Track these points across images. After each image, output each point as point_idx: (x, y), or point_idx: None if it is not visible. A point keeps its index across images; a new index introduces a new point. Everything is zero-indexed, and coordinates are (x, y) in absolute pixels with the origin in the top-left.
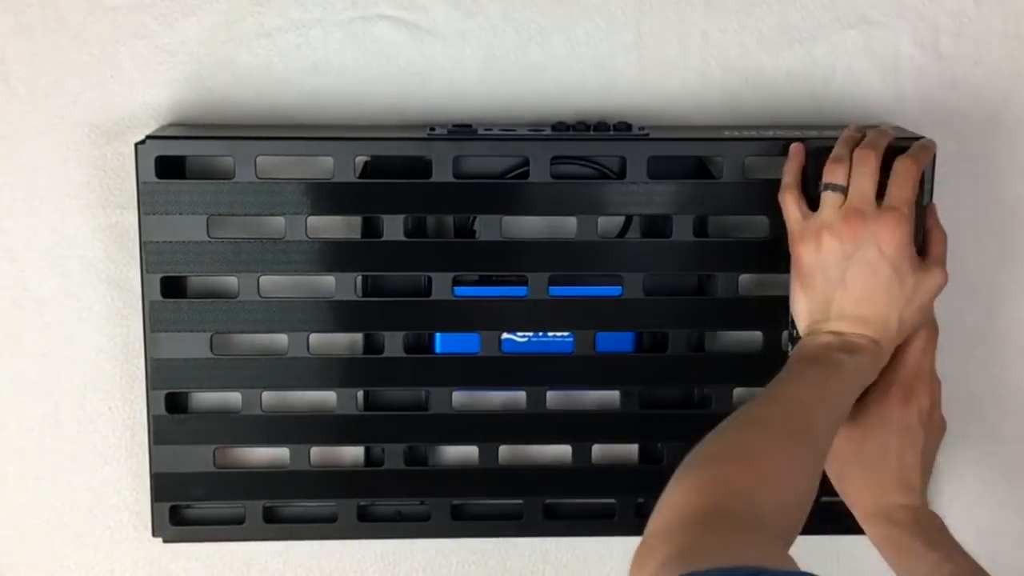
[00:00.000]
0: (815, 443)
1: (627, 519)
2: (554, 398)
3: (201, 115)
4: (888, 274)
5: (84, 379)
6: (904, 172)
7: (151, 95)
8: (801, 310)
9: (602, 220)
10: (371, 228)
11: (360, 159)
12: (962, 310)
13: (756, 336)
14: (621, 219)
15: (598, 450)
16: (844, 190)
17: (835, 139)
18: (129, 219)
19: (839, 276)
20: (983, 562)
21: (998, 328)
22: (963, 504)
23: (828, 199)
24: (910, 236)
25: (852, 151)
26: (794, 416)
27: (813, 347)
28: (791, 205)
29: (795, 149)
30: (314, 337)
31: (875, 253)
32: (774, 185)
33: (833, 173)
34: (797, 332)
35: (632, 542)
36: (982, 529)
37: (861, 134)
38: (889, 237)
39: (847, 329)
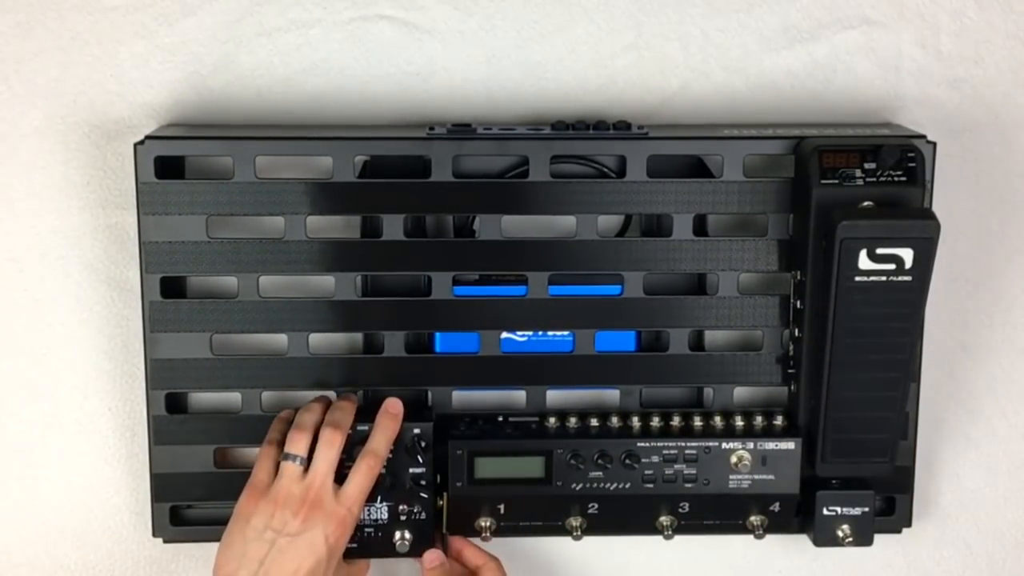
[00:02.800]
0: None
1: None
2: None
3: (201, 115)
4: (321, 562)
5: (84, 379)
6: (362, 469)
7: (151, 95)
8: (221, 560)
9: (602, 219)
10: (371, 228)
11: (359, 159)
12: (963, 310)
13: (756, 336)
14: (621, 218)
15: None
16: (304, 462)
17: (836, 138)
18: (129, 219)
19: (266, 547)
20: (983, 562)
21: (998, 328)
22: (963, 504)
23: (287, 470)
24: (350, 534)
25: (318, 420)
26: None
27: None
28: (266, 460)
29: (285, 414)
30: (314, 337)
31: (320, 539)
32: (776, 185)
33: (294, 443)
34: (798, 332)
35: (634, 542)
36: (983, 529)
37: (326, 403)
38: (336, 528)
39: None
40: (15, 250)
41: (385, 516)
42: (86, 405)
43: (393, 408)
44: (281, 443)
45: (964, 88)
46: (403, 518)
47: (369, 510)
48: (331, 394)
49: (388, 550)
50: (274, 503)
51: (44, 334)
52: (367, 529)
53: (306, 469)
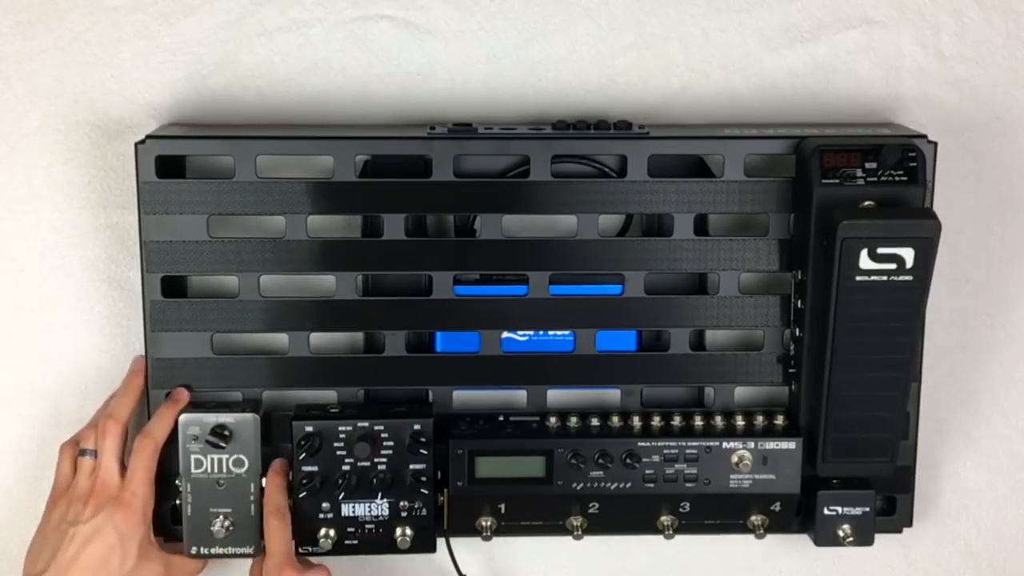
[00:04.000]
0: None
1: None
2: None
3: (201, 115)
4: (114, 548)
5: (85, 379)
6: (140, 454)
7: (152, 95)
8: (27, 560)
9: (602, 219)
10: (371, 227)
11: (360, 158)
12: (963, 310)
13: (757, 335)
14: (622, 218)
15: None
16: (94, 455)
17: (837, 138)
18: (130, 219)
19: (61, 538)
20: (984, 561)
21: (999, 328)
22: (964, 503)
23: (81, 465)
24: (145, 518)
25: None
26: None
27: None
28: (62, 460)
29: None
30: (315, 336)
31: (108, 526)
32: (776, 185)
33: (84, 439)
34: (799, 332)
35: (634, 541)
36: (983, 529)
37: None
38: (122, 514)
39: None
40: (16, 250)
41: (386, 513)
42: (87, 405)
43: (179, 395)
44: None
45: (965, 88)
46: (404, 514)
47: (370, 507)
48: (332, 393)
49: (389, 547)
50: (69, 499)
51: (45, 334)
52: (368, 526)
53: None
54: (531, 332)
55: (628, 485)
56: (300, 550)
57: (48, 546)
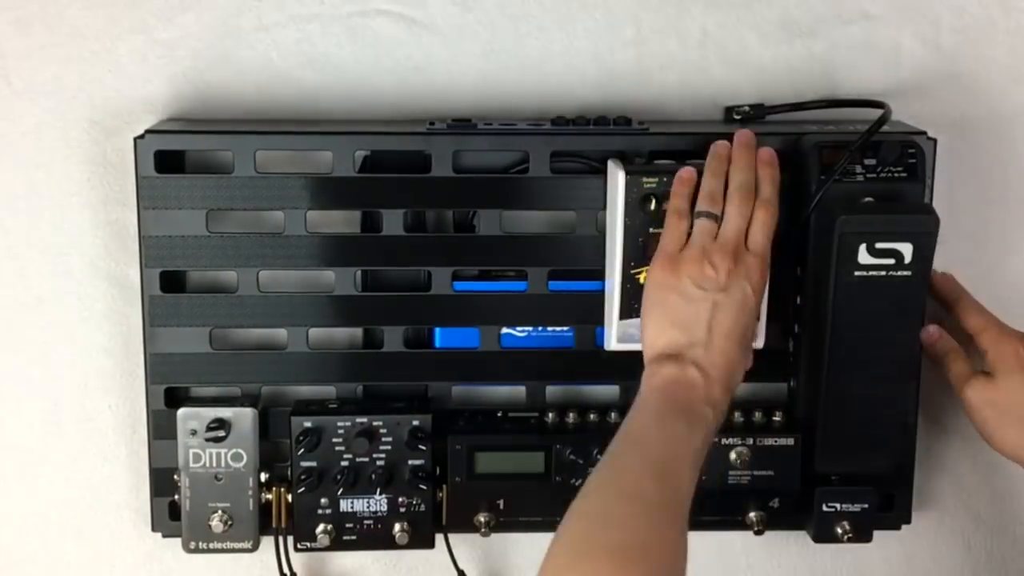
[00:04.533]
0: (685, 518)
1: None
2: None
3: (200, 110)
4: (750, 317)
5: (85, 377)
6: (764, 219)
7: (150, 90)
8: (659, 330)
9: (601, 214)
10: (370, 222)
11: (359, 153)
12: None
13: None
14: None
15: None
16: (718, 219)
17: (836, 134)
18: (129, 216)
19: (708, 306)
20: (982, 559)
21: None
22: (962, 500)
23: (703, 226)
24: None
25: (723, 180)
26: (672, 490)
27: (681, 388)
28: (674, 228)
29: (686, 175)
30: (314, 332)
31: (747, 291)
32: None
33: (708, 203)
34: (798, 328)
35: None
36: (981, 526)
37: (727, 154)
38: (758, 278)
39: (710, 368)
40: (16, 247)
41: (384, 508)
42: (86, 402)
43: (768, 156)
44: (687, 212)
45: (964, 84)
46: (402, 510)
47: (368, 502)
48: (331, 388)
49: (388, 542)
50: (697, 263)
51: (45, 331)
52: (366, 521)
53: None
54: (530, 328)
55: None
56: (298, 545)
57: (690, 315)
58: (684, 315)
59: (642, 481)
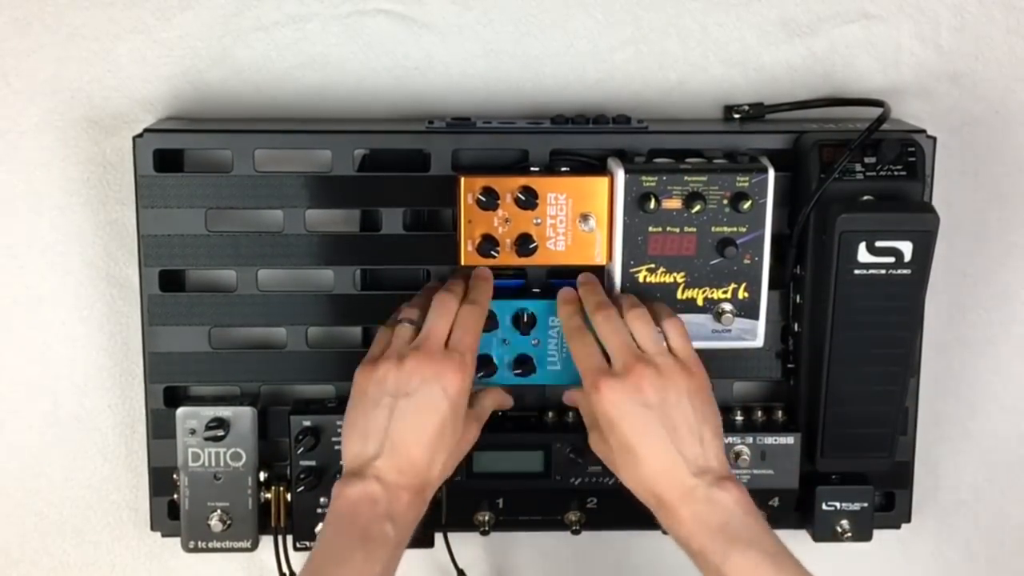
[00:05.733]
0: None
1: None
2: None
3: (198, 110)
4: (445, 419)
5: (84, 377)
6: (468, 317)
7: (148, 90)
8: (347, 443)
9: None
10: (370, 221)
11: (358, 152)
12: (962, 305)
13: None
14: None
15: None
16: (418, 324)
17: (836, 132)
18: (128, 215)
19: (388, 412)
20: (982, 559)
21: (997, 323)
22: (962, 499)
23: (400, 332)
24: (470, 382)
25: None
26: None
27: (362, 507)
28: (381, 337)
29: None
30: (313, 331)
31: (439, 393)
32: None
33: (407, 312)
34: (798, 327)
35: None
36: (981, 524)
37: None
38: (456, 378)
39: (393, 476)
40: (15, 247)
41: None
42: (86, 402)
43: (484, 273)
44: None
45: (964, 83)
46: None
47: None
48: (330, 387)
49: None
50: (387, 367)
51: (44, 331)
52: None
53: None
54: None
55: None
56: (297, 545)
57: (372, 423)
58: (368, 423)
59: None
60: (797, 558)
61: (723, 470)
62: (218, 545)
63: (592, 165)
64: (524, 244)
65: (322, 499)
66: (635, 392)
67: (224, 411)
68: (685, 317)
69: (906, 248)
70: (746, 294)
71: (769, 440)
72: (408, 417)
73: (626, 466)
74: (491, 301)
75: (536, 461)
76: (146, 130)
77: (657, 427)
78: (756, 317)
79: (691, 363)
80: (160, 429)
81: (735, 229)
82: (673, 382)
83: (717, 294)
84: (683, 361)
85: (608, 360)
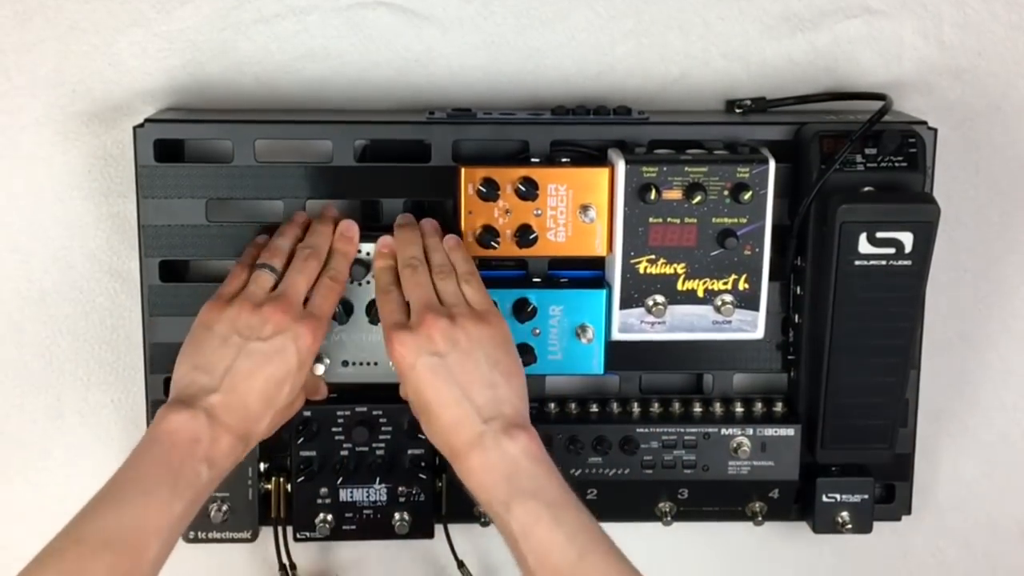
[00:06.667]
0: None
1: None
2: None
3: (199, 102)
4: (285, 376)
5: (87, 371)
6: (330, 289)
7: (149, 83)
8: (179, 372)
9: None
10: (370, 212)
11: (359, 143)
12: (962, 300)
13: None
14: None
15: None
16: (278, 273)
17: (836, 123)
18: (130, 208)
19: (236, 352)
20: (981, 553)
21: (997, 318)
22: (961, 493)
23: (260, 278)
24: (317, 350)
25: (295, 239)
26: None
27: (181, 441)
28: (234, 277)
29: (260, 239)
30: None
31: (292, 348)
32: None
33: (269, 257)
34: (798, 318)
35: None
36: (980, 518)
37: (302, 226)
38: (309, 341)
39: (222, 415)
40: (18, 241)
41: (384, 498)
42: (89, 397)
43: (348, 231)
44: (252, 265)
45: (966, 78)
46: (402, 500)
47: (368, 492)
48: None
49: (387, 532)
50: (242, 308)
51: (47, 325)
52: (366, 511)
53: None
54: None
55: (626, 471)
56: (297, 535)
57: (214, 358)
58: (210, 357)
59: (85, 563)
60: (583, 506)
61: (516, 417)
62: (218, 536)
63: (593, 156)
64: (524, 235)
65: (322, 489)
66: (426, 342)
67: None
68: (685, 308)
69: (907, 239)
70: (746, 285)
71: (769, 432)
72: (255, 362)
73: (423, 418)
74: (488, 292)
75: None
76: (147, 120)
77: (447, 376)
78: (756, 308)
79: (486, 313)
80: None
81: (736, 220)
82: (465, 330)
83: (717, 285)
84: (479, 312)
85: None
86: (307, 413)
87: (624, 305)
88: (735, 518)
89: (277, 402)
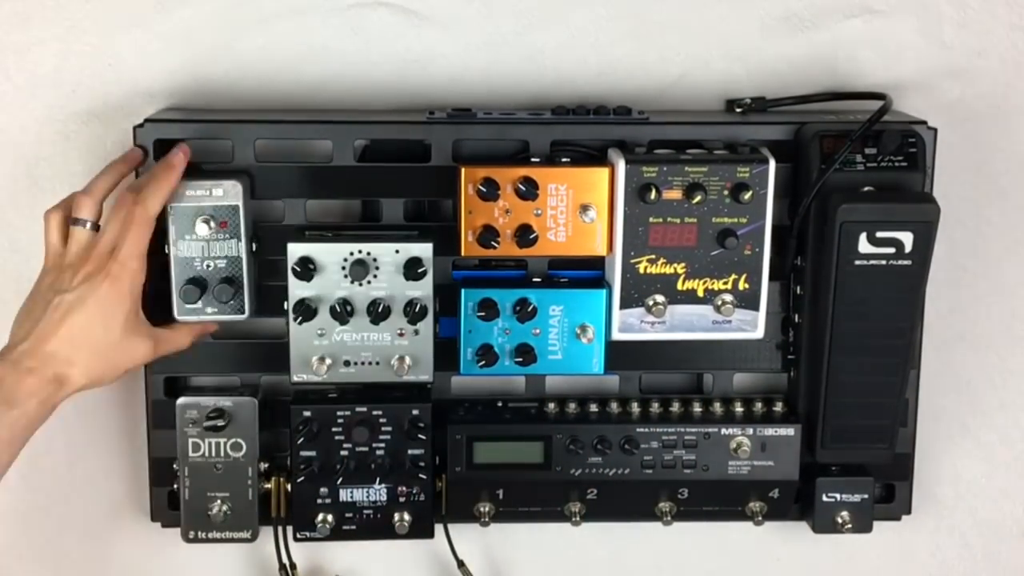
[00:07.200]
0: None
1: None
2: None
3: (199, 102)
4: (93, 319)
5: None
6: (138, 232)
7: (149, 83)
8: (13, 327)
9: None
10: (370, 211)
11: (359, 143)
12: (962, 300)
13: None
14: None
15: None
16: (94, 226)
17: (837, 123)
18: None
19: (46, 304)
20: (980, 553)
21: (997, 318)
22: (961, 493)
23: (76, 235)
24: (132, 292)
25: (111, 187)
26: None
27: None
28: (54, 229)
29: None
30: None
31: (91, 296)
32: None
33: (81, 207)
34: (798, 318)
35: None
36: (979, 518)
37: (127, 167)
38: (108, 285)
39: (25, 361)
40: (19, 241)
41: (384, 498)
42: (87, 393)
43: (175, 159)
44: (63, 209)
45: (965, 78)
46: (402, 500)
47: (368, 492)
48: None
49: (387, 532)
50: (59, 268)
51: None
52: (366, 511)
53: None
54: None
55: (626, 471)
56: (297, 535)
57: (32, 314)
58: (27, 313)
59: None
60: None
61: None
62: (218, 535)
63: (593, 156)
64: (524, 235)
65: (322, 489)
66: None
67: (224, 401)
68: (685, 308)
69: (907, 239)
70: (746, 285)
71: (769, 431)
72: (58, 312)
73: None
74: (490, 290)
75: (536, 452)
76: (147, 120)
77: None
78: (756, 308)
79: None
80: (160, 419)
81: (736, 220)
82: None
83: (717, 285)
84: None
85: None
86: (307, 413)
87: (624, 305)
88: (735, 518)
89: (86, 345)
